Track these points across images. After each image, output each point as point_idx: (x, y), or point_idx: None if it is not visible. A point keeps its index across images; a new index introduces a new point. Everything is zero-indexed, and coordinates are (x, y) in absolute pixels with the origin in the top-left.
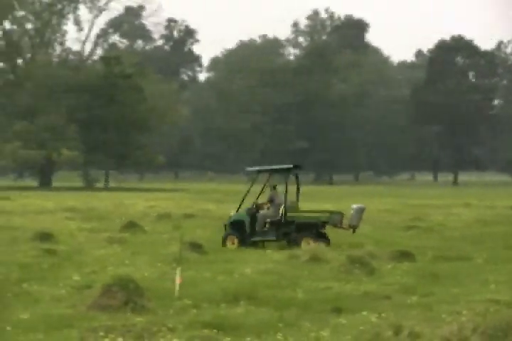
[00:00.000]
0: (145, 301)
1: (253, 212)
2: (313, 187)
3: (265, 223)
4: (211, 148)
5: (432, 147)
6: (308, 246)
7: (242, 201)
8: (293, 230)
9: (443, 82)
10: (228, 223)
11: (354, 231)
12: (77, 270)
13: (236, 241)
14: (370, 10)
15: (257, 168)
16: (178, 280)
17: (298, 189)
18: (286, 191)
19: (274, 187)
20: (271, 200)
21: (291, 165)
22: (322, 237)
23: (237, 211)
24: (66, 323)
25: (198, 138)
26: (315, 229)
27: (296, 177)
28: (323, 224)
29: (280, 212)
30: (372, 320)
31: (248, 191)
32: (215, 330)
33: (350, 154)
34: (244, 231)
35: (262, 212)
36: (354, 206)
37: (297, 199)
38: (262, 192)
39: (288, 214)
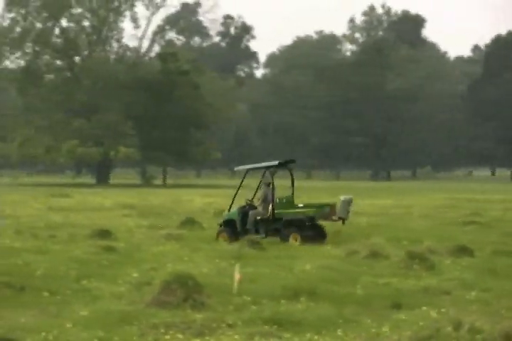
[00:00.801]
0: (204, 298)
1: (245, 211)
2: (371, 184)
3: (255, 221)
4: (268, 143)
5: (489, 142)
6: (296, 242)
7: (233, 200)
8: (282, 226)
9: (500, 77)
10: (222, 221)
11: (343, 223)
12: (136, 267)
13: (227, 238)
14: (426, 5)
15: (246, 167)
16: (237, 277)
17: (292, 184)
18: (273, 188)
19: (268, 185)
20: (264, 198)
21: (277, 162)
22: (317, 232)
23: (229, 210)
24: (126, 320)
25: (255, 134)
26: (303, 224)
27: (290, 173)
28: (311, 218)
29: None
30: (432, 316)
31: (238, 189)
32: (275, 326)
33: (407, 150)
34: (235, 228)
35: (253, 210)
36: (342, 198)
37: (292, 194)
38: (257, 189)
39: (277, 210)
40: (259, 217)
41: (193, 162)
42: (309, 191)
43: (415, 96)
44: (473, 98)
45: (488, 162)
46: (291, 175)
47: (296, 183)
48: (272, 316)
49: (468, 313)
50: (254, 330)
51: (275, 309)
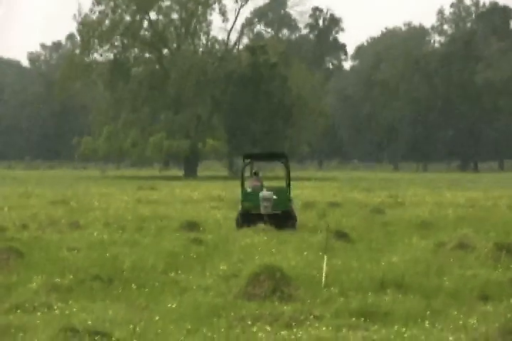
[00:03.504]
0: (292, 290)
1: None
2: (459, 175)
3: None
4: (356, 137)
5: None
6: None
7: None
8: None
9: None
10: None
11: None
12: (224, 259)
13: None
14: None
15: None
16: (324, 269)
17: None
18: (242, 178)
19: (255, 174)
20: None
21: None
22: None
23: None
24: (214, 312)
25: (344, 127)
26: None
27: (286, 165)
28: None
29: None
30: None
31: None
32: (362, 318)
33: (495, 142)
34: None
35: None
36: (260, 194)
37: (287, 185)
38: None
39: None
40: None
41: None
42: (397, 183)
43: (505, 88)
44: None
45: None
46: (286, 166)
47: (381, 175)
48: (359, 308)
49: None
50: (342, 322)
51: (362, 301)
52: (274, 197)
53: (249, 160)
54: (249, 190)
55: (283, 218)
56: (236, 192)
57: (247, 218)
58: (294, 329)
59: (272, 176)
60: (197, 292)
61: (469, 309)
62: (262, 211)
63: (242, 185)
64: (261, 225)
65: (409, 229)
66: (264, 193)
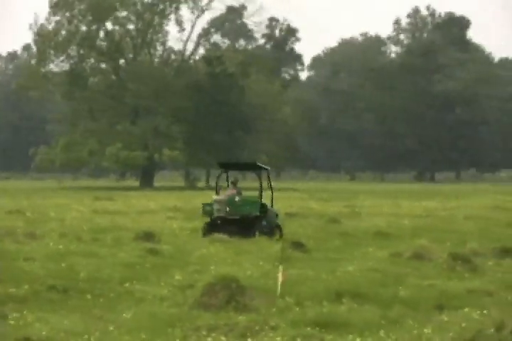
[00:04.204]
0: (247, 300)
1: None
2: (416, 186)
3: None
4: (314, 146)
5: None
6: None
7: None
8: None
9: None
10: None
11: (219, 221)
12: (180, 269)
13: None
14: (470, 6)
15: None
16: (280, 279)
17: (260, 186)
18: (217, 187)
19: (233, 183)
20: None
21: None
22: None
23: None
24: (169, 322)
25: (302, 137)
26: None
27: (258, 176)
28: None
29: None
30: (474, 317)
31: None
32: (317, 328)
33: (452, 152)
34: None
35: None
36: (215, 197)
37: (259, 196)
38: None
39: None
40: None
41: None
42: (354, 193)
43: (462, 98)
44: None
45: None
46: (259, 177)
47: (339, 185)
48: (314, 318)
49: (510, 315)
50: (297, 332)
51: (318, 311)
52: (238, 199)
53: (224, 170)
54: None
55: (247, 225)
56: (192, 202)
57: (214, 226)
58: (249, 340)
59: (246, 186)
60: (152, 302)
61: (425, 319)
62: (215, 214)
63: (217, 193)
64: (218, 235)
65: (365, 239)
66: (217, 197)
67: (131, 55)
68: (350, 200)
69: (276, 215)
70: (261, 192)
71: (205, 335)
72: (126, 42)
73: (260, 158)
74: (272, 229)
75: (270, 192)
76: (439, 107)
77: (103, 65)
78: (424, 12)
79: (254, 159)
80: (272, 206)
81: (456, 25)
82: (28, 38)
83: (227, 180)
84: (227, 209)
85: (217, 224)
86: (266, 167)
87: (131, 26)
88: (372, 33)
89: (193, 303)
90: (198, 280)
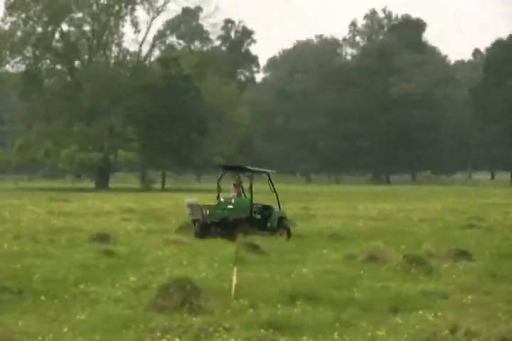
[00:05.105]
0: (202, 302)
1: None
2: (371, 188)
3: None
4: (271, 148)
5: (490, 147)
6: None
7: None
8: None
9: (501, 81)
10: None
11: (194, 225)
12: (135, 271)
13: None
14: (427, 9)
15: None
16: (234, 281)
17: (250, 187)
18: (218, 189)
19: (234, 185)
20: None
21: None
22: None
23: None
24: (123, 324)
25: (258, 139)
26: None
27: (250, 179)
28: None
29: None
30: (429, 319)
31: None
32: (271, 330)
33: (408, 154)
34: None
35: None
36: (188, 201)
37: (245, 196)
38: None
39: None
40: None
41: (194, 166)
42: (309, 195)
43: (419, 100)
44: (476, 102)
45: (488, 166)
46: (250, 178)
47: (294, 187)
48: (268, 320)
49: (464, 317)
50: (251, 334)
51: (272, 313)
52: (232, 205)
53: (223, 171)
54: (222, 200)
55: (231, 227)
56: (148, 204)
57: (204, 228)
58: None
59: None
60: (107, 304)
61: (379, 321)
62: (189, 217)
63: (218, 196)
64: (173, 236)
65: (320, 241)
66: (189, 200)
67: (86, 57)
68: (305, 202)
69: (284, 217)
70: (251, 194)
71: (159, 337)
72: (82, 44)
73: (217, 159)
74: (275, 231)
75: (275, 194)
76: (394, 109)
77: (59, 66)
78: (380, 14)
79: (209, 160)
80: (279, 208)
81: (412, 28)
82: None
83: (218, 183)
84: (206, 212)
85: (207, 226)
86: (265, 170)
87: (86, 27)
88: (327, 35)
89: (147, 305)
90: (152, 281)
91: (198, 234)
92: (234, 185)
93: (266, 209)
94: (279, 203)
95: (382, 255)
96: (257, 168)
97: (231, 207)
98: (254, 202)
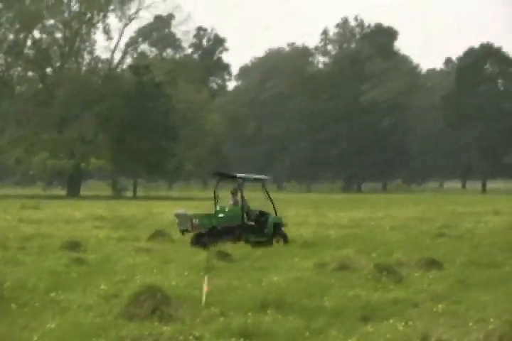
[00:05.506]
0: (172, 310)
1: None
2: (342, 196)
3: None
4: (242, 155)
5: (461, 155)
6: None
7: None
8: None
9: (472, 90)
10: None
11: (183, 234)
12: (106, 279)
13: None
14: (398, 18)
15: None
16: (205, 289)
17: (241, 195)
18: (215, 197)
19: (232, 193)
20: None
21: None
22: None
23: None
24: (94, 332)
25: (230, 147)
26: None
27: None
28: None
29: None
30: (399, 328)
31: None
32: (242, 339)
33: (378, 162)
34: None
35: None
36: (177, 211)
37: (242, 206)
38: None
39: None
40: None
41: (166, 174)
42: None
43: (389, 108)
44: (447, 111)
45: (460, 174)
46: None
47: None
48: (239, 328)
49: (435, 326)
50: None
51: (243, 321)
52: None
53: (219, 179)
54: (218, 208)
55: (224, 235)
56: (119, 211)
57: (199, 237)
58: None
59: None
60: (77, 312)
61: (349, 329)
62: (178, 227)
63: (215, 204)
64: (144, 244)
65: (291, 249)
66: (177, 211)
67: (58, 64)
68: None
69: (280, 223)
70: (243, 201)
71: None
72: (54, 51)
73: (187, 167)
74: (271, 238)
75: (270, 201)
76: (365, 117)
77: (30, 73)
78: (352, 23)
79: (180, 167)
80: (276, 214)
81: (383, 36)
82: None
83: (215, 191)
84: (197, 222)
85: (202, 236)
86: (259, 177)
87: (58, 34)
88: (299, 43)
89: (118, 313)
90: (123, 289)
91: (193, 242)
92: (231, 192)
93: (262, 216)
94: (275, 209)
95: (353, 263)
96: (251, 176)
97: (221, 215)
98: (253, 209)
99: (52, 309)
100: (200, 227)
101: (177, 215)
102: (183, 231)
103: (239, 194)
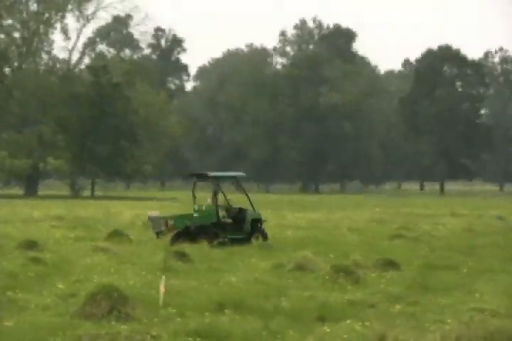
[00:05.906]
0: (129, 309)
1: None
2: (300, 197)
3: None
4: (201, 157)
5: (420, 156)
6: None
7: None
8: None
9: (431, 92)
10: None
11: (158, 237)
12: (63, 278)
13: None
14: (357, 19)
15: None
16: (162, 289)
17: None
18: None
19: (213, 194)
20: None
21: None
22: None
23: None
24: (51, 331)
25: (189, 148)
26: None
27: (217, 185)
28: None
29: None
30: (356, 329)
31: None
32: (199, 339)
33: (337, 164)
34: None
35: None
36: (150, 214)
37: (228, 202)
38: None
39: None
40: None
41: (123, 175)
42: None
43: (348, 111)
44: (405, 113)
45: (418, 176)
46: (218, 185)
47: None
48: (196, 328)
49: (392, 326)
50: None
51: (200, 321)
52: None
53: (196, 180)
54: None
55: (198, 234)
56: (76, 211)
57: (178, 235)
58: None
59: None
60: (35, 311)
61: (306, 330)
62: (158, 230)
63: (194, 203)
64: (102, 244)
65: (249, 250)
66: (150, 214)
67: (16, 64)
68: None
69: (259, 219)
70: (216, 199)
71: None
72: (12, 51)
73: (145, 168)
74: (250, 234)
75: (247, 196)
76: (324, 119)
77: None
78: (310, 24)
79: (139, 169)
80: (253, 210)
81: (342, 38)
82: None
83: (193, 191)
84: (172, 222)
85: (179, 235)
86: (234, 174)
87: (16, 34)
88: (257, 44)
89: (75, 312)
90: (80, 289)
91: (172, 241)
92: (213, 193)
93: (240, 213)
94: (252, 204)
95: (311, 264)
96: (226, 173)
97: (196, 215)
98: (234, 206)
99: (9, 309)
100: (175, 228)
101: (150, 218)
102: (158, 234)
103: (220, 193)
